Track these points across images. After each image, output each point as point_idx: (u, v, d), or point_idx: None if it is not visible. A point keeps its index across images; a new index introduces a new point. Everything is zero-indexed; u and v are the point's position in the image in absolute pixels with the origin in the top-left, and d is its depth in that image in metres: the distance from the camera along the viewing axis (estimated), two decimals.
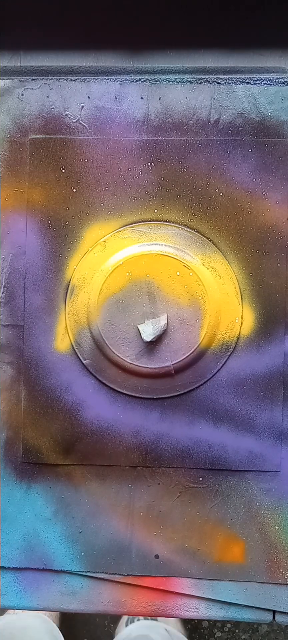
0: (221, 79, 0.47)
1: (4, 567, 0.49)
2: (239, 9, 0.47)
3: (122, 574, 0.48)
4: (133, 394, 0.48)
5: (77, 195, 0.48)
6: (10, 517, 0.49)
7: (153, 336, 0.46)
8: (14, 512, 0.49)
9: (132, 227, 0.48)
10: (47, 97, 0.48)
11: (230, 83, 0.47)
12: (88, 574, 0.49)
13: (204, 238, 0.47)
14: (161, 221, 0.47)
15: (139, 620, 0.71)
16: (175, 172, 0.47)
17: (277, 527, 0.47)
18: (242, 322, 0.47)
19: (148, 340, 0.46)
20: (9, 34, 0.48)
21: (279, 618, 0.48)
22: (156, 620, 0.70)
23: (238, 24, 0.47)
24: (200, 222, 0.47)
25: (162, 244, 0.47)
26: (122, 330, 0.47)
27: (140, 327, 0.46)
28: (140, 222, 0.48)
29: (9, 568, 0.49)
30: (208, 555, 0.48)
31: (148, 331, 0.46)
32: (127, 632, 0.69)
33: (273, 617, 0.48)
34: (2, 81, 0.48)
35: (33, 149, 0.48)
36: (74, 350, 0.48)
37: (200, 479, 0.48)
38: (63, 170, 0.48)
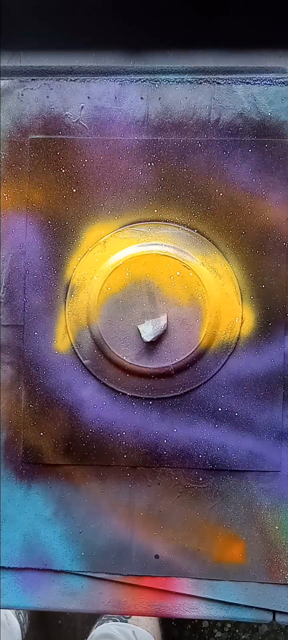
0: (221, 79, 0.47)
1: (4, 567, 0.49)
2: (239, 9, 0.47)
3: (122, 574, 0.48)
4: (133, 394, 0.48)
5: (77, 196, 0.48)
6: (11, 517, 0.49)
7: (153, 336, 0.46)
8: (14, 512, 0.49)
9: (132, 227, 0.48)
10: (47, 97, 0.48)
11: (230, 83, 0.47)
12: (88, 574, 0.49)
13: (204, 238, 0.47)
14: (161, 221, 0.47)
15: (108, 622, 0.71)
16: (175, 172, 0.47)
17: (277, 527, 0.47)
18: (242, 322, 0.47)
19: (148, 340, 0.46)
20: (9, 34, 0.48)
21: (279, 618, 0.48)
22: (126, 622, 0.70)
23: (238, 24, 0.47)
24: (200, 222, 0.47)
25: (162, 244, 0.47)
26: (122, 331, 0.47)
27: (140, 327, 0.46)
28: (140, 222, 0.48)
29: (9, 568, 0.49)
30: (209, 555, 0.48)
31: (148, 331, 0.46)
32: (93, 632, 0.70)
33: (274, 617, 0.48)
34: (2, 81, 0.48)
35: (33, 149, 0.48)
36: (74, 350, 0.48)
37: (200, 479, 0.48)
38: (63, 171, 0.48)
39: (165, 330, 0.47)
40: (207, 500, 0.48)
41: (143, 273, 0.47)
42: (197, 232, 0.47)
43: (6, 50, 0.49)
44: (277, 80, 0.46)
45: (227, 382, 0.47)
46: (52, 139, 0.47)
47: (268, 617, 0.48)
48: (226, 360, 0.47)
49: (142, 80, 0.47)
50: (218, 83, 0.47)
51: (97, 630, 0.69)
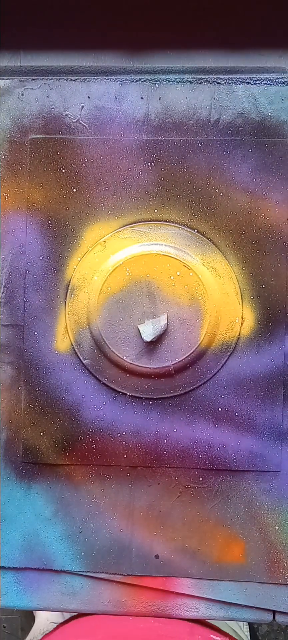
0: (221, 79, 0.47)
1: (4, 567, 0.49)
2: (239, 9, 0.47)
3: (122, 574, 0.48)
4: (133, 394, 0.48)
5: (77, 195, 0.48)
6: (10, 517, 0.49)
7: (153, 336, 0.46)
8: (14, 512, 0.49)
9: (132, 227, 0.48)
10: (47, 97, 0.48)
11: (230, 83, 0.47)
12: (88, 574, 0.49)
13: (204, 238, 0.47)
14: (161, 221, 0.47)
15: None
16: (175, 172, 0.47)
17: (277, 527, 0.47)
18: (242, 322, 0.47)
19: (148, 340, 0.46)
20: (9, 34, 0.48)
21: (279, 618, 0.48)
22: None
23: (238, 24, 0.47)
24: (200, 222, 0.47)
25: (162, 244, 0.47)
26: (122, 330, 0.47)
27: (140, 327, 0.46)
28: (140, 222, 0.47)
29: (9, 568, 0.49)
30: (209, 555, 0.48)
31: (148, 331, 0.46)
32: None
33: (274, 617, 0.48)
34: (2, 81, 0.48)
35: (33, 149, 0.47)
36: (74, 350, 0.48)
37: (200, 478, 0.48)
38: (63, 170, 0.48)
39: (165, 330, 0.47)
40: (207, 500, 0.48)
41: (143, 273, 0.47)
42: (197, 232, 0.47)
43: (6, 50, 0.49)
44: (277, 80, 0.46)
45: (227, 382, 0.47)
46: (52, 138, 0.47)
47: (268, 617, 0.48)
48: (226, 360, 0.47)
49: (142, 80, 0.47)
50: (219, 83, 0.47)
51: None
